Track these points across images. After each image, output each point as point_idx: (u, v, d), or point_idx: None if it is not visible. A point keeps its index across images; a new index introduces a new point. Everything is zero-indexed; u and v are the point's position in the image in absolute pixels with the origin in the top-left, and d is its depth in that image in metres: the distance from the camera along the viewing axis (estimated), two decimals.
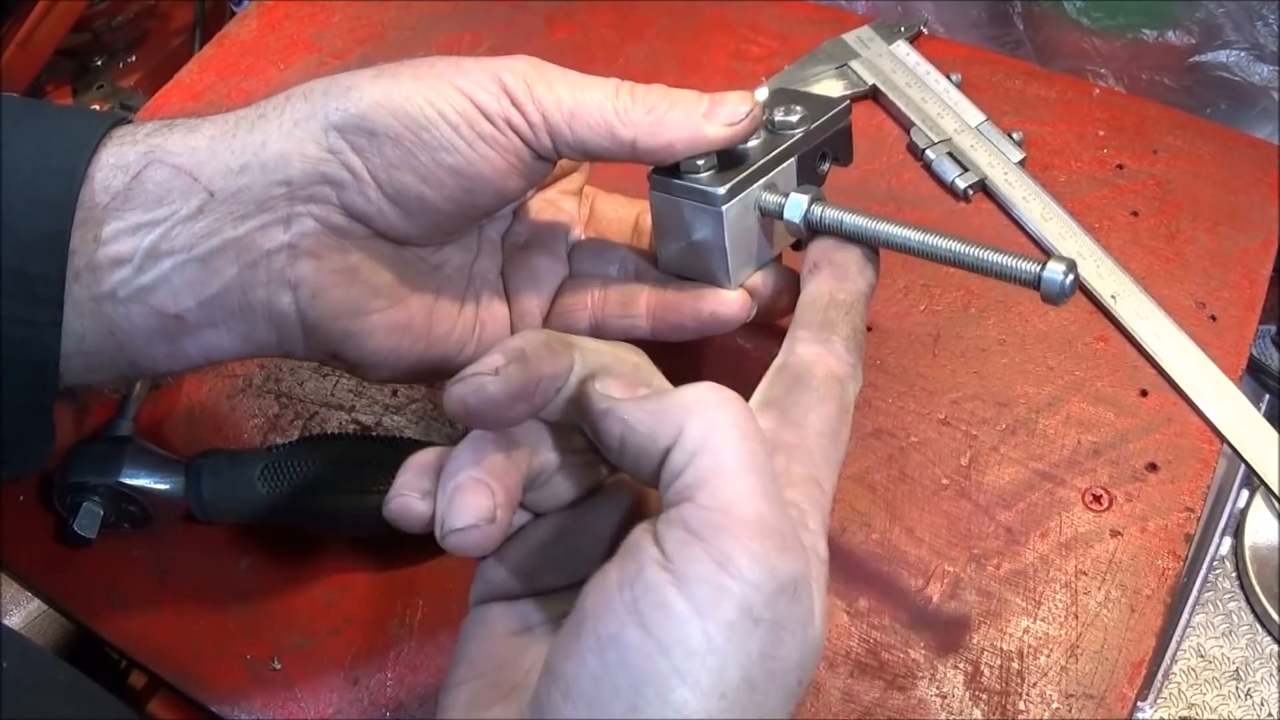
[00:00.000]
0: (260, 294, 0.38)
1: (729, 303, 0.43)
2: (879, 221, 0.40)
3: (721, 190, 0.41)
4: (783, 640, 0.28)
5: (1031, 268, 0.37)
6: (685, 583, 0.27)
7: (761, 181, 0.42)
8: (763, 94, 0.44)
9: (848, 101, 0.45)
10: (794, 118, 0.43)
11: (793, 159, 0.43)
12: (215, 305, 0.38)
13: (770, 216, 0.42)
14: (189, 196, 0.37)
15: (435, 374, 0.44)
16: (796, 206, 0.41)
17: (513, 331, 0.45)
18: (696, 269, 0.44)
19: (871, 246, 0.41)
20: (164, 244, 0.37)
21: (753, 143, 0.42)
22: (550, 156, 0.40)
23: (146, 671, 0.49)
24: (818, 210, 0.41)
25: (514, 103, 0.38)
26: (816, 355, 0.37)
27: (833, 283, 0.39)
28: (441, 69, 0.38)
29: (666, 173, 0.42)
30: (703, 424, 0.29)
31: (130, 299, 0.37)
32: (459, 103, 0.37)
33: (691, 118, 0.39)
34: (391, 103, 0.37)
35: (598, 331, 0.45)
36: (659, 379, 0.34)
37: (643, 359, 0.35)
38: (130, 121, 0.39)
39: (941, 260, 0.39)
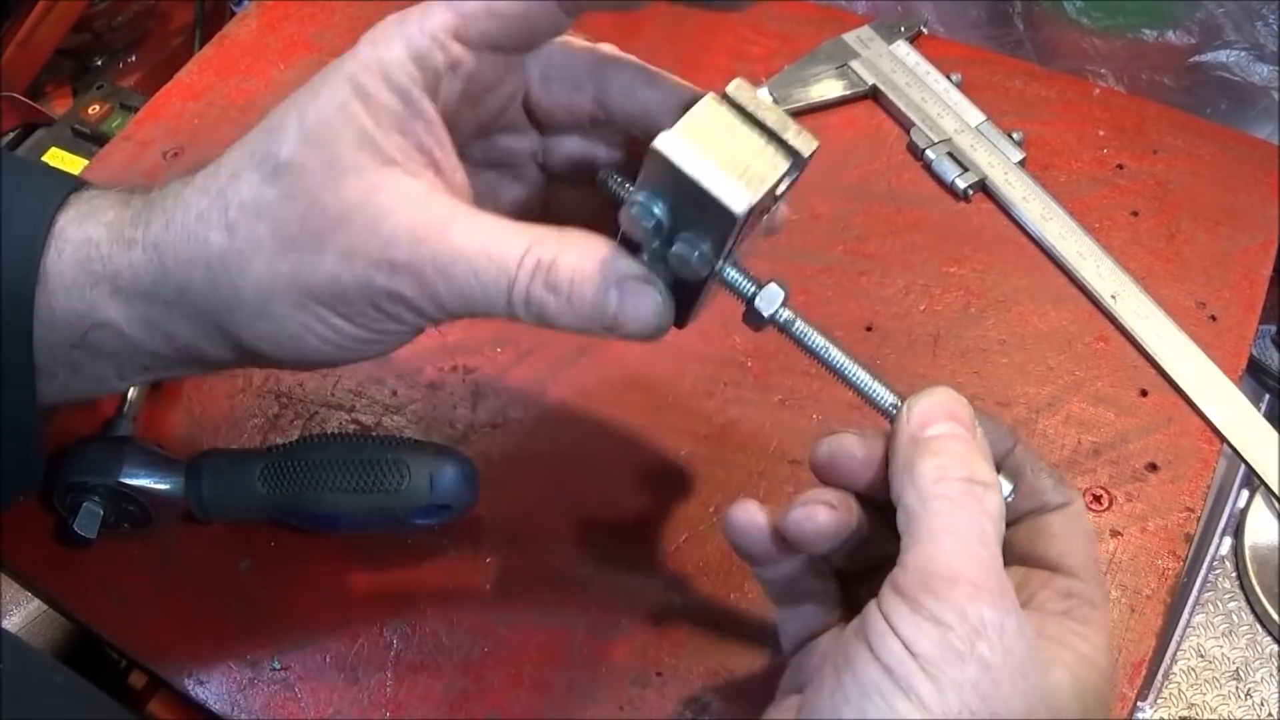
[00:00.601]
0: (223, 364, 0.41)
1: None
2: (845, 357, 0.37)
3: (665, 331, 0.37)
4: (999, 681, 0.30)
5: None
6: (894, 626, 0.31)
7: (729, 261, 0.36)
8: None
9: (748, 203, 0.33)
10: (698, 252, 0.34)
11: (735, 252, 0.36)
12: (188, 373, 0.43)
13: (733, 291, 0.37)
14: (135, 355, 0.39)
15: None
16: (760, 311, 0.37)
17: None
18: None
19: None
20: (127, 378, 0.40)
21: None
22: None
23: (146, 671, 0.49)
24: (784, 315, 0.37)
25: (407, 305, 0.35)
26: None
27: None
28: (350, 244, 0.34)
29: None
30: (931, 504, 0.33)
31: (111, 388, 0.41)
32: (350, 330, 0.36)
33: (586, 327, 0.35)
34: (280, 346, 0.37)
35: None
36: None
37: None
38: (76, 189, 0.39)
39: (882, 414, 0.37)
